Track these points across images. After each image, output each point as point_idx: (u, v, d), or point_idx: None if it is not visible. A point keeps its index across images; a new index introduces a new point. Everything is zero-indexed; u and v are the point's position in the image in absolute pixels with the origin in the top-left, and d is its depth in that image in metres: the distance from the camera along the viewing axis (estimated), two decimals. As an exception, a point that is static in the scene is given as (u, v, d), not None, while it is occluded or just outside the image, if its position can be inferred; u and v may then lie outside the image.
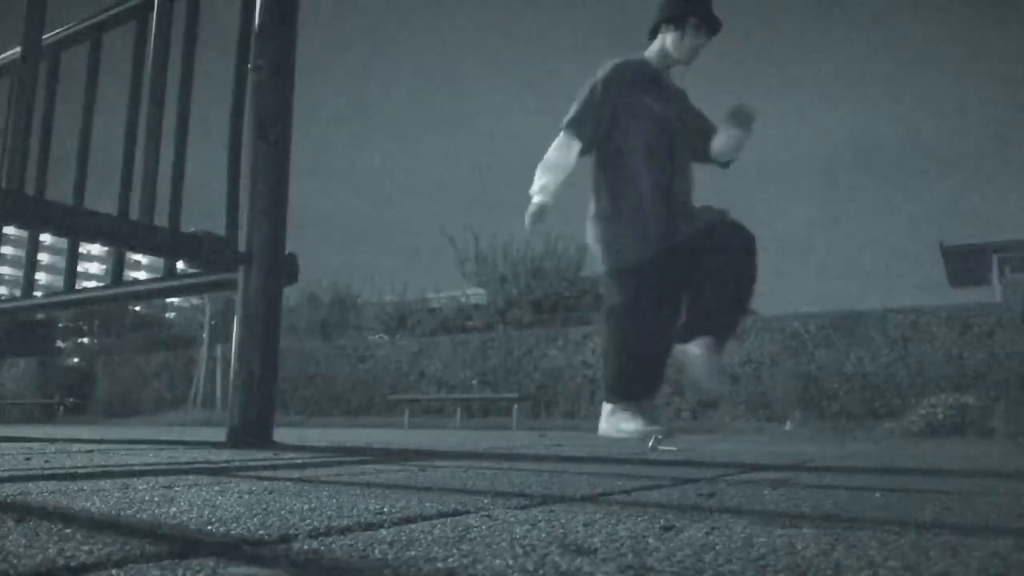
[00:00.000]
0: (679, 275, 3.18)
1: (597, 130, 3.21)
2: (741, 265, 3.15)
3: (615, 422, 3.13)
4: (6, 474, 1.73)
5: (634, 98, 3.25)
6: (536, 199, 3.18)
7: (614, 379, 3.18)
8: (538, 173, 3.22)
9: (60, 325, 25.27)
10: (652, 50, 3.35)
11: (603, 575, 0.67)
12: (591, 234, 3.27)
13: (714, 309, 3.10)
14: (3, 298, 5.43)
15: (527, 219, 3.19)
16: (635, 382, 3.19)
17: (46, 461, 2.18)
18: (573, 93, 3.32)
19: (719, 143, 3.31)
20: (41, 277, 20.38)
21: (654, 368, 3.28)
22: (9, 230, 4.91)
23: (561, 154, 3.21)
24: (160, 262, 3.75)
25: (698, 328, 3.08)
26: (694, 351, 3.06)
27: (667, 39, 3.29)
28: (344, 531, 0.90)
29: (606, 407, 3.20)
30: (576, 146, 3.20)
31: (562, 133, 3.22)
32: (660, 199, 3.19)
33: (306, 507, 1.13)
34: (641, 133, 3.22)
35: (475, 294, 18.27)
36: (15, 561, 0.69)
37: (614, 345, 3.21)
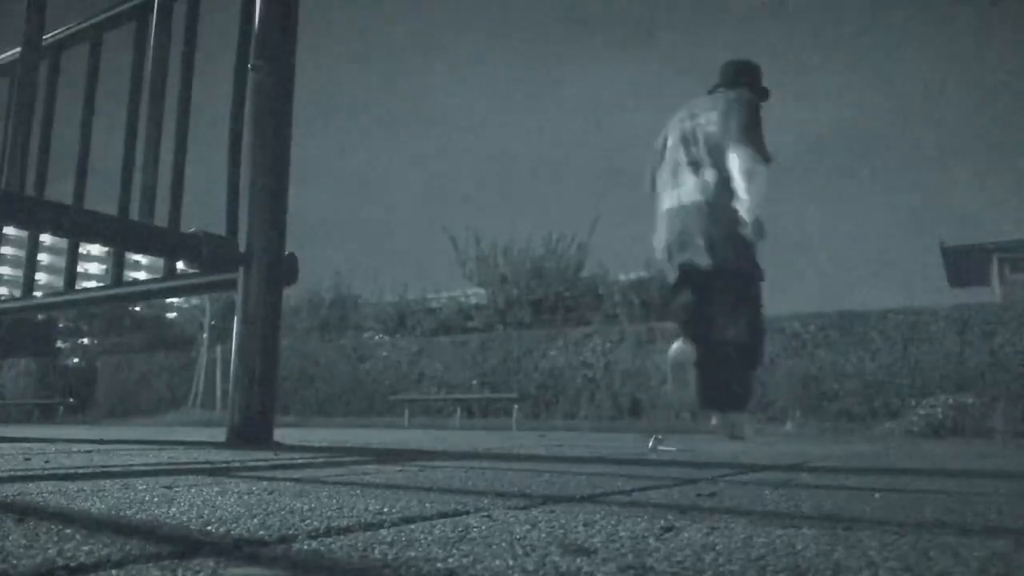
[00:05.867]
0: None
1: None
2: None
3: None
4: (6, 474, 1.73)
5: None
6: (750, 215, 3.86)
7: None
8: (753, 195, 3.80)
9: (60, 325, 25.26)
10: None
11: (603, 575, 0.67)
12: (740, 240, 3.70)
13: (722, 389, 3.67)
14: (3, 298, 5.43)
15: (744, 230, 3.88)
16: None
17: (46, 461, 2.18)
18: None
19: None
20: (41, 277, 20.34)
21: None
22: (9, 230, 4.91)
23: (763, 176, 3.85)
24: (160, 262, 3.75)
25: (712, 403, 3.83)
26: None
27: (745, 96, 3.98)
28: (344, 531, 0.90)
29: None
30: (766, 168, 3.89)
31: (755, 154, 3.80)
32: None
33: (306, 507, 1.13)
34: None
35: (475, 294, 18.25)
36: (15, 561, 0.69)
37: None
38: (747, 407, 3.77)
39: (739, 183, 3.66)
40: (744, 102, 3.87)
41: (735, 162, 3.67)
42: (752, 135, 3.75)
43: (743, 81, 4.02)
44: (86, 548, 0.76)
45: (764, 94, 4.05)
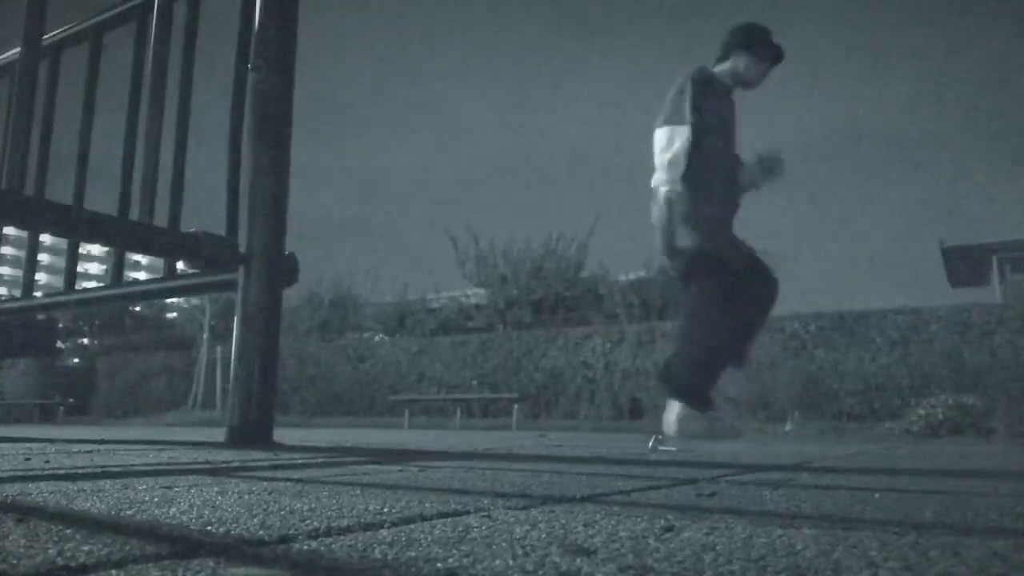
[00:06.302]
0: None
1: (694, 127, 3.38)
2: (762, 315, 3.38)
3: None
4: (6, 474, 1.73)
5: (716, 107, 3.43)
6: (665, 188, 3.33)
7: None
8: (664, 169, 3.31)
9: (60, 325, 25.25)
10: (723, 69, 3.53)
11: (603, 575, 0.67)
12: (674, 214, 3.32)
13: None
14: (3, 298, 5.43)
15: (662, 206, 3.35)
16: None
17: (46, 461, 2.18)
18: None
19: (743, 178, 3.49)
20: (41, 277, 20.33)
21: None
22: (9, 230, 4.92)
23: (678, 148, 3.34)
24: (160, 262, 3.75)
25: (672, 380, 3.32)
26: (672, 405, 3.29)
27: (741, 63, 3.55)
28: (344, 531, 0.90)
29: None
30: (684, 137, 3.35)
31: (668, 128, 3.31)
32: (731, 207, 3.48)
33: (306, 508, 1.13)
34: (718, 141, 3.42)
35: (475, 294, 18.25)
36: (15, 561, 0.69)
37: (709, 334, 3.35)
38: (680, 396, 3.38)
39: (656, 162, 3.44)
40: (683, 80, 3.55)
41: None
42: (672, 114, 3.46)
43: (743, 45, 3.56)
44: (86, 548, 0.76)
45: (771, 54, 3.65)
